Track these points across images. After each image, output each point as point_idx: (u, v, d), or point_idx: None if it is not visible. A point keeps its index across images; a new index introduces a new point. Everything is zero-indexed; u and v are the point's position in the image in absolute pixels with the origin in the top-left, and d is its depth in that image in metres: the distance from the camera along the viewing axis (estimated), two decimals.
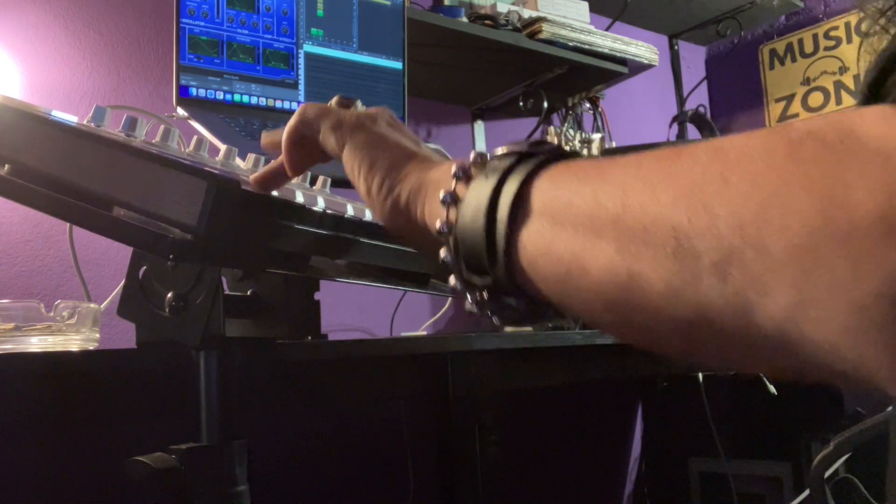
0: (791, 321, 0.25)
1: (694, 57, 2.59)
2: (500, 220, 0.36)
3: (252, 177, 0.54)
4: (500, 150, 0.39)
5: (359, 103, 0.54)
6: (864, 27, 0.39)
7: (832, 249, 0.24)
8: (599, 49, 1.76)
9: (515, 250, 0.36)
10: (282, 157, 0.53)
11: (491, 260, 0.37)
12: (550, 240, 0.34)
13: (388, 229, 0.48)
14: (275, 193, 0.53)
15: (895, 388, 0.24)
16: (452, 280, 0.40)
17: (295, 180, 0.67)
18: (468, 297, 0.40)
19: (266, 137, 0.58)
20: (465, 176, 0.40)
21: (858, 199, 0.24)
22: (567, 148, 0.40)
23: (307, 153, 0.53)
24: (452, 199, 0.40)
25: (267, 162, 0.70)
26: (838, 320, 0.24)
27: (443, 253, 0.40)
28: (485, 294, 0.39)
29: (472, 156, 0.40)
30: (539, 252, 0.35)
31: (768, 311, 0.26)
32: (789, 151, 0.26)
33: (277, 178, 0.54)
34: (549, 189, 0.35)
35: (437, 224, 0.40)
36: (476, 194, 0.38)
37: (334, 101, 0.55)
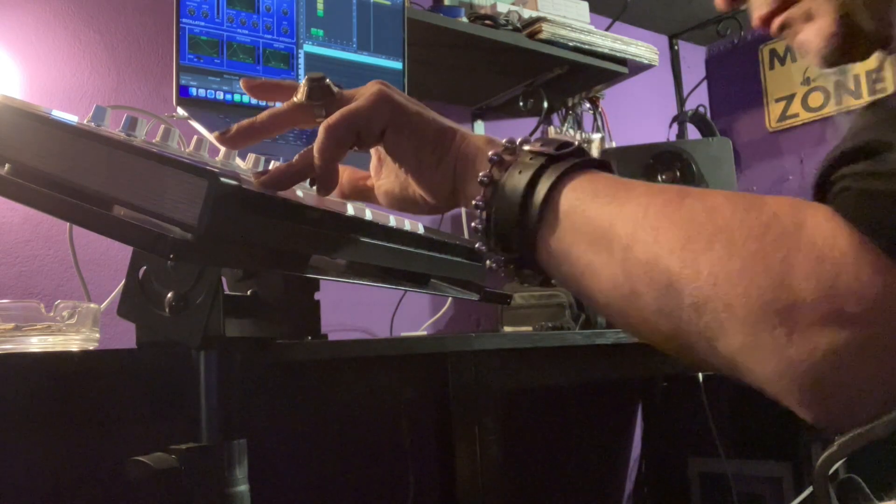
0: (741, 356, 0.35)
1: (694, 57, 2.59)
2: (532, 215, 0.44)
3: (259, 180, 0.51)
4: (528, 147, 0.47)
5: (329, 80, 0.54)
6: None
7: (776, 318, 0.33)
8: (599, 49, 1.75)
9: (541, 241, 0.44)
10: (287, 164, 0.52)
11: (519, 243, 0.45)
12: (571, 242, 0.42)
13: (432, 196, 0.53)
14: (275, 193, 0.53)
15: (809, 418, 0.34)
16: (478, 244, 0.48)
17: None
18: (490, 259, 0.48)
19: (249, 81, 0.57)
20: (499, 161, 0.47)
21: (800, 286, 0.33)
22: (586, 149, 0.47)
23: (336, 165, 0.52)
24: (489, 180, 0.47)
25: (267, 162, 0.70)
26: (773, 365, 0.34)
27: (474, 223, 0.48)
28: (509, 265, 0.47)
29: (504, 142, 0.48)
30: (560, 250, 0.43)
31: (727, 346, 0.35)
32: (760, 233, 0.35)
33: (285, 181, 0.52)
34: (574, 200, 0.43)
35: (475, 200, 0.47)
36: (511, 186, 0.45)
37: (305, 81, 0.54)
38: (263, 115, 0.55)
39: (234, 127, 0.55)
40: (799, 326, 0.33)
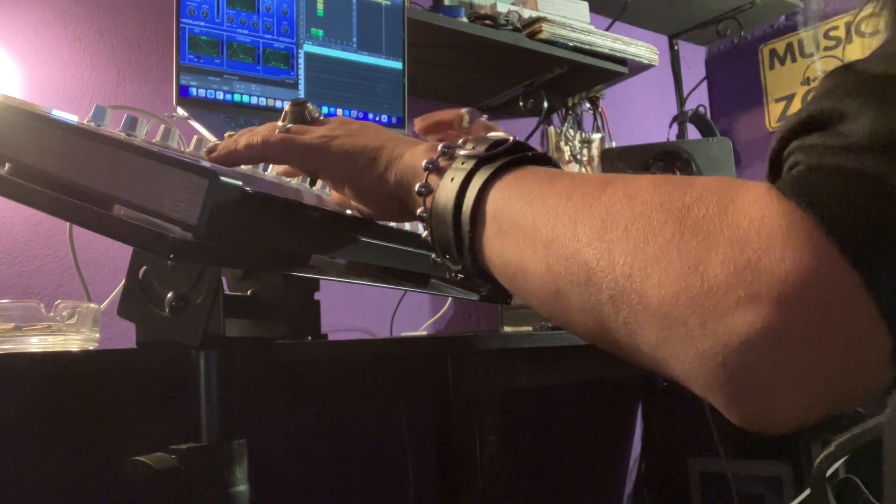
0: (659, 351, 0.32)
1: (694, 57, 2.59)
2: (464, 222, 0.43)
3: (209, 157, 0.57)
4: (463, 151, 0.45)
5: (310, 107, 0.57)
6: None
7: (688, 307, 0.31)
8: (599, 49, 1.75)
9: (478, 249, 0.43)
10: (233, 149, 0.57)
11: (459, 253, 0.44)
12: (501, 245, 0.41)
13: (385, 215, 0.54)
14: (275, 193, 0.53)
15: (734, 418, 0.32)
16: (433, 255, 0.47)
17: (295, 180, 0.67)
18: (447, 271, 0.47)
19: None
20: (435, 168, 0.46)
21: (715, 271, 0.30)
22: (519, 144, 0.46)
23: None
24: (427, 190, 0.46)
25: (267, 164, 0.70)
26: (688, 360, 0.31)
27: (424, 233, 0.47)
28: (458, 275, 0.46)
29: (439, 147, 0.47)
30: (494, 253, 0.42)
31: (644, 340, 0.33)
32: (679, 216, 0.32)
33: (231, 161, 0.57)
34: (501, 201, 0.42)
35: (418, 211, 0.47)
36: (444, 194, 0.44)
37: (288, 105, 0.57)
38: (241, 147, 0.56)
39: (218, 151, 0.58)
40: (712, 315, 0.30)
